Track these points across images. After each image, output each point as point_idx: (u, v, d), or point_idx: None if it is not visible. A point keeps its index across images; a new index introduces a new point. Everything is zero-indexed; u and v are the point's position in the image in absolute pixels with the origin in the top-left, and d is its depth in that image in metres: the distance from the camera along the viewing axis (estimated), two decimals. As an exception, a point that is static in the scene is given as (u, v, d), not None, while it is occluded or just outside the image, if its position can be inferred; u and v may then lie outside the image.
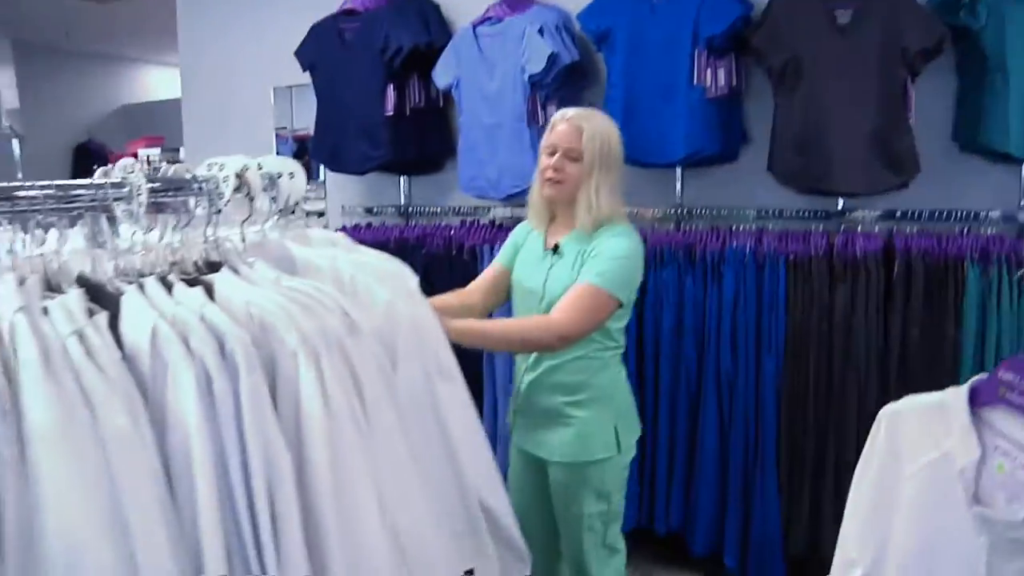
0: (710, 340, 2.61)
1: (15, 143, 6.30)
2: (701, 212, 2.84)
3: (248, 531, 0.96)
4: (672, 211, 2.89)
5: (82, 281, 1.11)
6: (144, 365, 0.99)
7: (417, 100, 3.15)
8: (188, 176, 1.20)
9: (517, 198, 2.96)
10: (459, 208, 3.29)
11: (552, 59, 2.71)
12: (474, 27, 2.94)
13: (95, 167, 1.22)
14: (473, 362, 2.79)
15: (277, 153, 3.79)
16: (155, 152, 5.00)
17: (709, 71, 2.57)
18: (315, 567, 1.01)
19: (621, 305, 1.88)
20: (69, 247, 1.15)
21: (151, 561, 0.89)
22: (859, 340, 2.41)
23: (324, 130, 3.30)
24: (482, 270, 2.90)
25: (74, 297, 1.00)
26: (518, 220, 3.06)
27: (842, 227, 2.61)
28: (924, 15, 2.37)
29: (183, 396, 0.96)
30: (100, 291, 1.09)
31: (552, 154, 1.95)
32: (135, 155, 5.75)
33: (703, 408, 2.65)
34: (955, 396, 0.81)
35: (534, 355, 1.98)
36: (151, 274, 1.11)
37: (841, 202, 2.65)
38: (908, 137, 2.42)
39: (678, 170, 2.87)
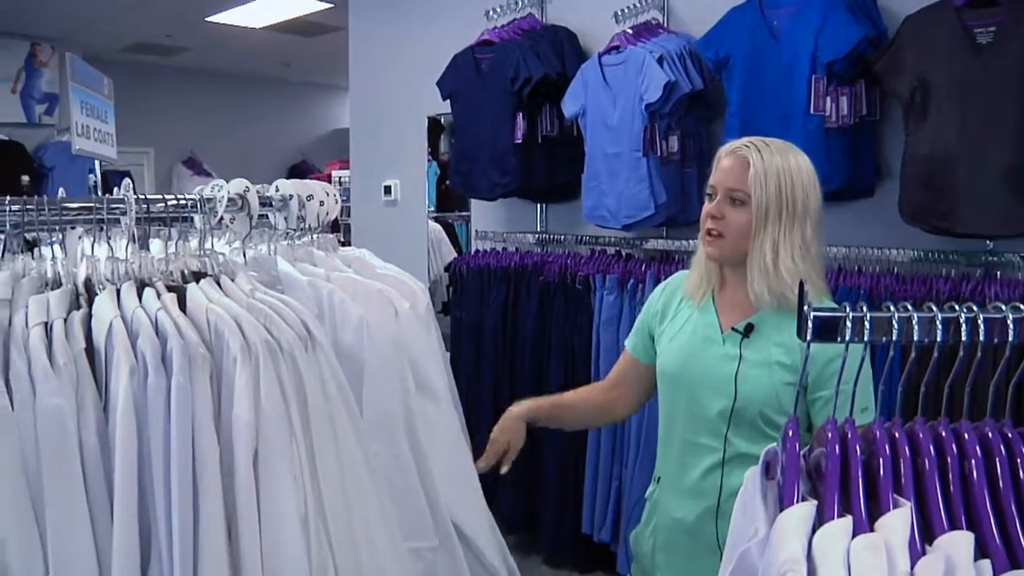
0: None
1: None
2: (827, 251, 2.65)
3: (162, 509, 1.05)
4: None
5: (87, 284, 1.26)
6: (103, 357, 1.11)
7: (549, 129, 3.20)
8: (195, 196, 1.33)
9: (636, 228, 2.92)
10: (594, 238, 3.28)
11: (668, 88, 2.66)
12: (600, 57, 2.95)
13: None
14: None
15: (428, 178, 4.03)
16: (346, 173, 5.41)
17: (829, 99, 2.41)
18: (231, 554, 1.08)
19: None
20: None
21: (61, 524, 1.00)
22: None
23: (459, 157, 3.43)
24: (595, 300, 2.92)
25: (57, 295, 1.14)
26: (643, 252, 3.07)
27: (979, 272, 2.34)
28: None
29: (120, 386, 1.06)
30: (93, 292, 1.23)
31: (712, 198, 1.52)
32: (329, 176, 6.26)
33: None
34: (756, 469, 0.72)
35: (717, 460, 1.51)
36: (139, 280, 1.23)
37: (991, 244, 2.37)
38: (1056, 172, 2.14)
39: (809, 204, 2.71)
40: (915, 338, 0.63)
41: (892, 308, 0.65)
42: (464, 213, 4.01)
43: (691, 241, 2.94)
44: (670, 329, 1.62)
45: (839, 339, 0.63)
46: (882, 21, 2.44)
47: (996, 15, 2.19)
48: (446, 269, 3.93)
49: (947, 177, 2.23)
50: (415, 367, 1.36)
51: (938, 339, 0.63)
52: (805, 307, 0.63)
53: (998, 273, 2.31)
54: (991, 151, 2.17)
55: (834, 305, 1.41)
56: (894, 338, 0.63)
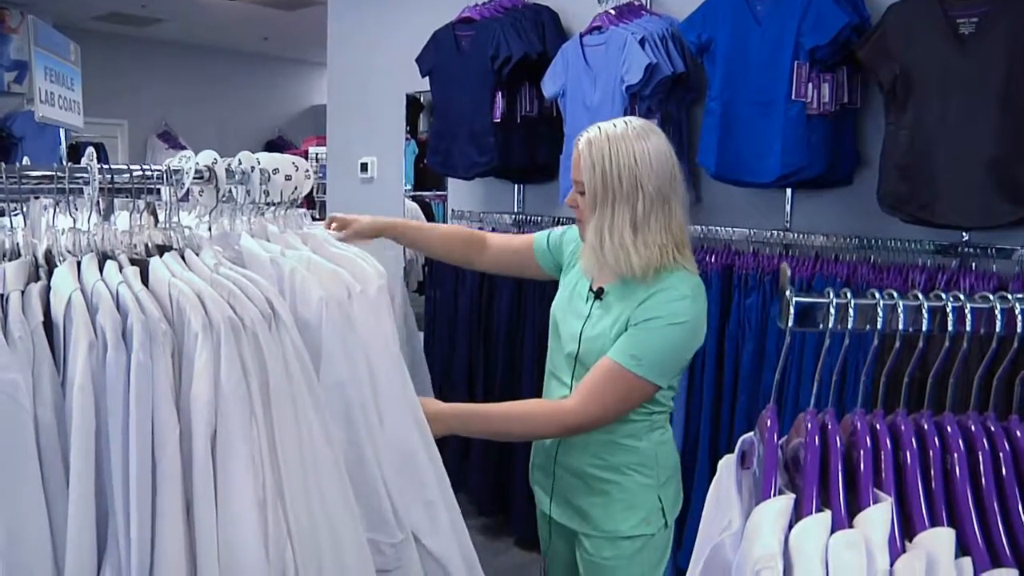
0: (791, 372, 2.43)
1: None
2: (805, 238, 2.65)
3: (120, 489, 1.01)
4: (778, 235, 2.71)
5: (48, 256, 1.22)
6: (62, 331, 1.07)
7: (528, 109, 3.17)
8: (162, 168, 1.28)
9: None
10: (571, 219, 3.24)
11: (649, 70, 2.63)
12: (581, 37, 2.91)
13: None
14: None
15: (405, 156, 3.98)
16: (323, 150, 5.34)
17: (810, 85, 2.39)
18: (191, 535, 1.05)
19: (661, 388, 1.61)
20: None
21: (13, 504, 0.96)
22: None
23: (438, 135, 3.39)
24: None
25: (14, 267, 1.10)
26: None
27: (955, 263, 2.34)
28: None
29: (78, 361, 1.02)
30: (54, 264, 1.19)
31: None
32: (306, 152, 6.18)
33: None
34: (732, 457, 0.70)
35: (565, 394, 1.71)
36: (101, 252, 1.19)
37: (966, 235, 2.37)
38: (1036, 164, 2.14)
39: (788, 192, 2.70)
40: (900, 326, 0.61)
41: (877, 295, 0.63)
42: (441, 192, 3.98)
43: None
44: (566, 277, 1.84)
45: (820, 326, 0.61)
46: (865, 8, 2.42)
47: (979, 6, 2.18)
48: (422, 248, 3.92)
49: (927, 167, 2.22)
50: (377, 348, 1.33)
51: (924, 328, 0.61)
52: (787, 292, 0.61)
53: (973, 264, 2.32)
54: (971, 143, 2.16)
55: (696, 277, 1.63)
56: (879, 327, 0.61)
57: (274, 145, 7.67)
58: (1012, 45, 2.11)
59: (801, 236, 2.62)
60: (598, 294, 1.68)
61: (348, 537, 1.20)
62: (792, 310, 0.61)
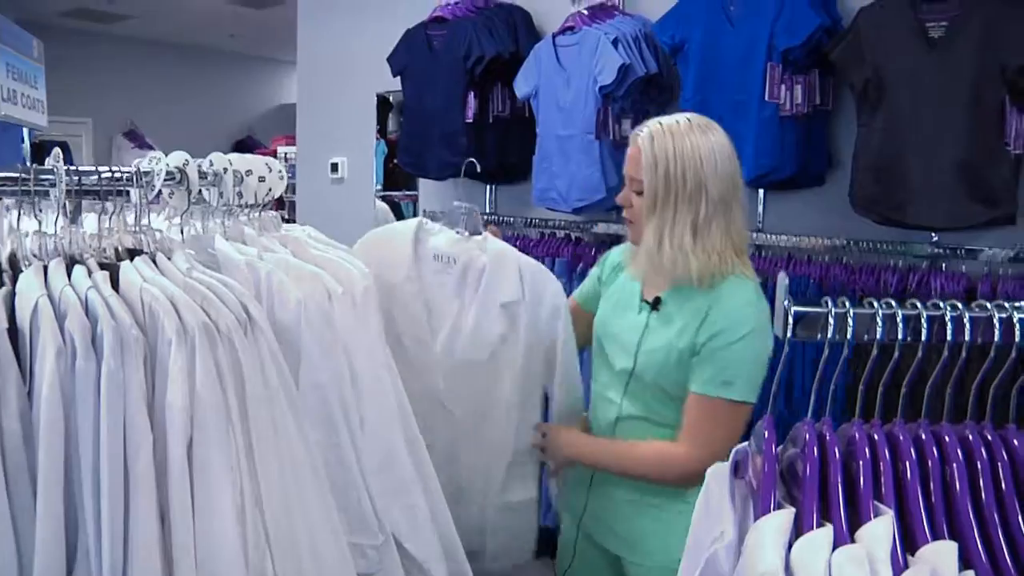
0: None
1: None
2: (777, 239, 2.66)
3: (91, 502, 0.98)
4: (751, 236, 2.72)
5: (12, 260, 1.18)
6: (27, 338, 1.04)
7: (501, 109, 3.15)
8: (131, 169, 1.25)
9: (586, 211, 2.89)
10: (544, 221, 3.25)
11: (623, 71, 2.63)
12: (554, 37, 2.90)
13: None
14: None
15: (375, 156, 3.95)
16: (292, 149, 5.28)
17: (784, 87, 2.40)
18: (165, 544, 1.02)
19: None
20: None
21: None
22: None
23: (410, 136, 3.36)
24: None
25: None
26: (593, 236, 3.06)
27: (925, 263, 2.36)
28: (1031, 26, 2.10)
29: (45, 369, 0.99)
30: (18, 269, 1.15)
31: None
32: (275, 152, 6.11)
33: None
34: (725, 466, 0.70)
35: (614, 416, 1.64)
36: (69, 256, 1.16)
37: (935, 236, 2.39)
38: (1004, 167, 2.16)
39: (760, 192, 2.71)
40: (899, 336, 0.61)
41: (876, 305, 0.63)
42: (411, 192, 3.96)
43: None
44: (609, 288, 1.75)
45: (819, 336, 0.61)
46: (837, 10, 2.44)
47: (948, 10, 2.20)
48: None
49: (898, 169, 2.24)
50: (360, 351, 1.31)
51: (923, 338, 0.61)
52: (785, 302, 0.60)
53: (943, 265, 2.34)
54: (941, 145, 2.19)
55: (753, 281, 1.55)
56: (877, 336, 0.60)
57: (243, 144, 7.57)
58: (980, 49, 2.14)
59: (773, 237, 2.62)
60: (654, 304, 1.57)
61: (328, 543, 1.18)
62: (791, 319, 0.60)
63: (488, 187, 3.48)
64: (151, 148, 6.68)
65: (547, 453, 1.75)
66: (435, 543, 1.35)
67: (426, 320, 1.74)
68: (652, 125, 1.55)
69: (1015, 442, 0.62)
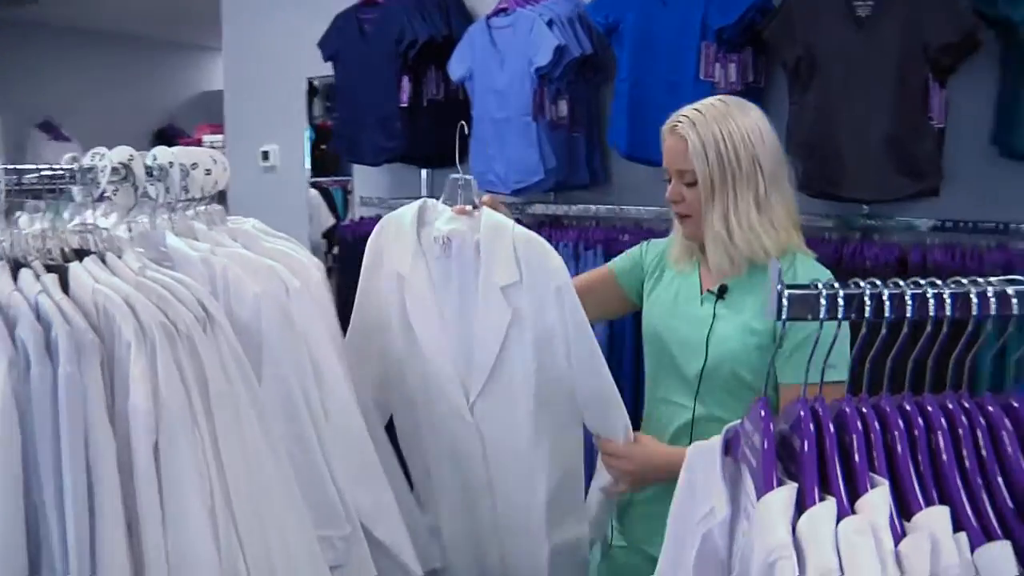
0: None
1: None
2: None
3: (54, 513, 0.96)
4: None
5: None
6: (-26, 347, 1.00)
7: (435, 93, 3.13)
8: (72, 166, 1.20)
9: (525, 193, 2.90)
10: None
11: (559, 52, 2.63)
12: (487, 19, 2.89)
13: None
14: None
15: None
16: (218, 138, 5.14)
17: (718, 65, 2.44)
18: (134, 551, 1.00)
19: None
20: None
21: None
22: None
23: (343, 121, 3.32)
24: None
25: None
26: (531, 217, 3.06)
27: (858, 235, 2.45)
28: (951, 6, 2.18)
29: (-1, 377, 0.96)
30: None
31: (670, 180, 1.56)
32: (199, 141, 5.94)
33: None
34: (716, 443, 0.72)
35: (684, 420, 1.53)
36: (12, 259, 1.11)
37: (866, 208, 2.48)
38: (928, 141, 2.25)
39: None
40: (886, 314, 0.63)
41: (862, 284, 0.65)
42: (340, 178, 3.91)
43: (578, 206, 2.96)
44: (656, 289, 1.66)
45: (811, 317, 0.63)
46: (769, -12, 2.49)
47: (874, -10, 2.27)
48: (324, 236, 3.95)
49: (830, 145, 2.31)
50: (319, 344, 1.30)
51: (908, 315, 0.64)
52: (778, 286, 0.62)
53: (876, 236, 2.43)
54: (870, 122, 2.26)
55: (813, 261, 1.52)
56: (866, 315, 0.63)
57: (164, 134, 7.32)
58: (904, 27, 2.21)
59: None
60: (720, 293, 1.52)
61: (298, 539, 1.17)
62: (785, 303, 0.62)
63: (423, 172, 3.45)
64: (68, 140, 6.42)
65: (623, 468, 1.52)
66: (402, 527, 1.35)
67: (436, 315, 1.52)
68: (689, 113, 1.51)
69: (990, 408, 0.66)
